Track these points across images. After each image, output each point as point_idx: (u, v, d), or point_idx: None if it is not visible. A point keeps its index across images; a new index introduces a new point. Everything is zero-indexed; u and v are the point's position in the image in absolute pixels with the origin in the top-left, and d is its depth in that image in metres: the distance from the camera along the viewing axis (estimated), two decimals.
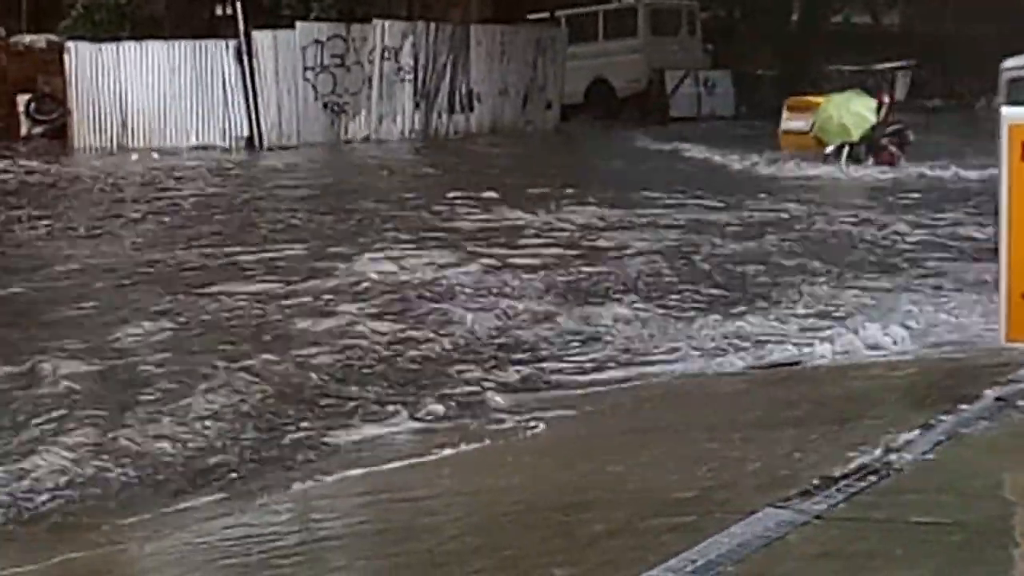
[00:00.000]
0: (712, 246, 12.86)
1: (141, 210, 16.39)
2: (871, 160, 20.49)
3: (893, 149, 20.60)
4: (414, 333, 9.09)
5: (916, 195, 17.13)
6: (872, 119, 20.66)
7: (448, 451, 6.18)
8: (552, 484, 5.15)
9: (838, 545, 3.71)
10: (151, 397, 7.50)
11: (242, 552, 4.72)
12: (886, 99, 21.13)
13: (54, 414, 7.17)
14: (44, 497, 6.05)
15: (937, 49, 35.87)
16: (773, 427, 5.72)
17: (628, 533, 4.08)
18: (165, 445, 6.67)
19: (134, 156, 23.23)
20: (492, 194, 16.93)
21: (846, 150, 20.47)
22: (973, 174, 17.88)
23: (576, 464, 5.56)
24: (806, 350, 8.08)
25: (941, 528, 3.83)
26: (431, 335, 9.01)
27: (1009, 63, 11.83)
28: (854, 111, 20.77)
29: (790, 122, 22.49)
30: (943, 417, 5.00)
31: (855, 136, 20.58)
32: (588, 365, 8.21)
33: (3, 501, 5.98)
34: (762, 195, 17.19)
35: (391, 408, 7.23)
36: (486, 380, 7.83)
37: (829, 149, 20.65)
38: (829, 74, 26.33)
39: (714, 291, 10.52)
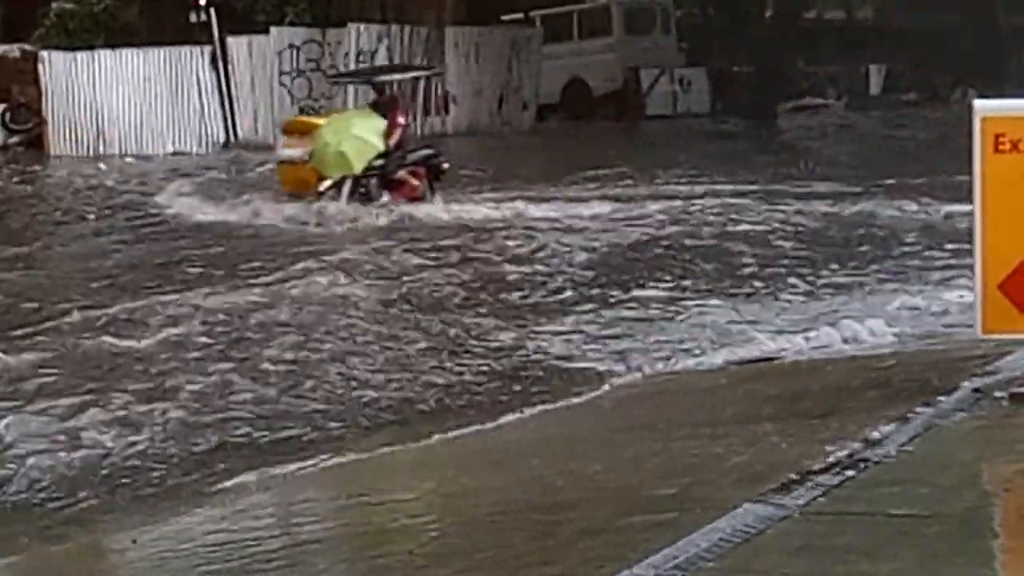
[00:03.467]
0: None
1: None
2: (386, 197, 16.34)
3: (415, 182, 16.67)
4: None
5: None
6: (379, 146, 16.43)
7: (427, 452, 6.18)
8: (532, 483, 5.15)
9: (818, 539, 3.71)
10: None
11: (223, 557, 4.72)
12: (401, 120, 16.94)
13: None
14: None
15: (912, 42, 36.00)
16: (751, 423, 5.73)
17: (609, 531, 4.08)
18: None
19: (101, 165, 22.87)
20: None
21: (347, 186, 16.15)
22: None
23: (555, 463, 5.56)
24: (784, 345, 8.09)
25: (920, 520, 3.84)
26: None
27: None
28: (356, 135, 16.42)
29: (285, 150, 17.47)
30: (921, 409, 5.02)
31: (357, 168, 16.22)
32: None
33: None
34: None
35: None
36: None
37: (324, 186, 16.12)
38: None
39: None
